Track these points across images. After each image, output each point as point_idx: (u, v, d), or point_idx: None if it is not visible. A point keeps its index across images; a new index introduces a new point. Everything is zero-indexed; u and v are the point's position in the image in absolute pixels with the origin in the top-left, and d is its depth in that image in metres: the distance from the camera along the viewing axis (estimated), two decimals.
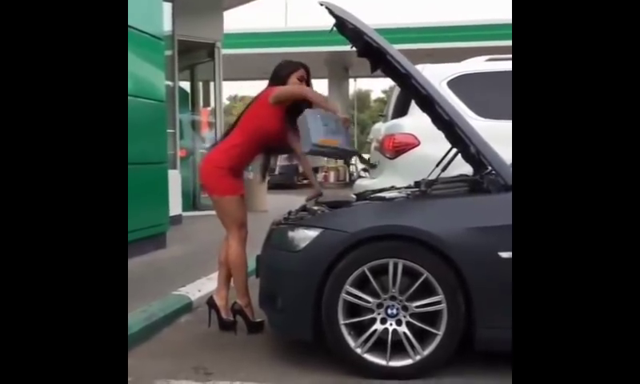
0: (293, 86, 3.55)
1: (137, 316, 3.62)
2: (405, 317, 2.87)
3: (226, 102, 44.09)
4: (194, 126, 10.52)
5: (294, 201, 5.64)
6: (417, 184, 3.63)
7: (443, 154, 3.57)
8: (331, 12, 3.17)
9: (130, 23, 4.64)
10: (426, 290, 2.84)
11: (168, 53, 8.48)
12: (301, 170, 15.74)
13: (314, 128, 3.24)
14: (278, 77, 3.61)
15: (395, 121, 5.18)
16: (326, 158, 19.38)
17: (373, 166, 5.46)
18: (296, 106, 3.50)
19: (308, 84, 3.63)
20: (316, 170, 18.46)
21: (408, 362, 2.86)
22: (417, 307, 2.85)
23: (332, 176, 21.20)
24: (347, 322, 2.89)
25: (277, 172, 17.88)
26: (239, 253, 3.58)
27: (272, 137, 3.57)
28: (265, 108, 3.51)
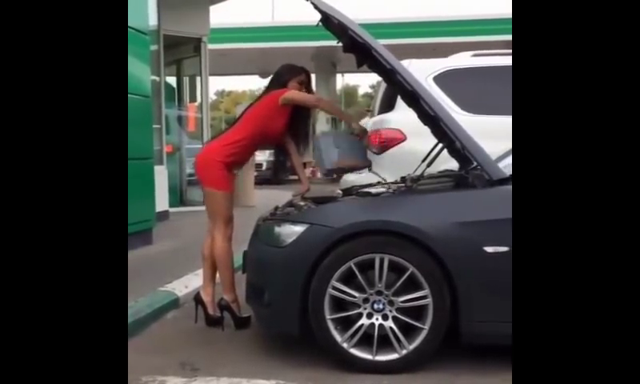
0: (308, 95, 3.63)
1: None
2: (391, 311, 2.88)
3: (212, 97, 43.99)
4: (181, 121, 10.46)
5: (281, 196, 5.64)
6: (403, 179, 3.64)
7: (429, 149, 3.59)
8: (317, 7, 3.17)
9: None
10: (411, 285, 2.86)
11: (154, 48, 8.40)
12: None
13: (326, 153, 3.40)
14: (280, 80, 3.64)
15: (382, 116, 5.19)
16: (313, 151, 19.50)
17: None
18: (298, 110, 3.59)
19: (308, 89, 3.70)
20: (304, 165, 18.41)
21: (394, 356, 2.88)
22: (403, 302, 2.87)
23: (319, 171, 21.23)
24: (334, 316, 2.90)
25: (264, 167, 17.79)
26: (225, 248, 3.58)
27: (273, 136, 3.64)
28: (272, 108, 3.55)
